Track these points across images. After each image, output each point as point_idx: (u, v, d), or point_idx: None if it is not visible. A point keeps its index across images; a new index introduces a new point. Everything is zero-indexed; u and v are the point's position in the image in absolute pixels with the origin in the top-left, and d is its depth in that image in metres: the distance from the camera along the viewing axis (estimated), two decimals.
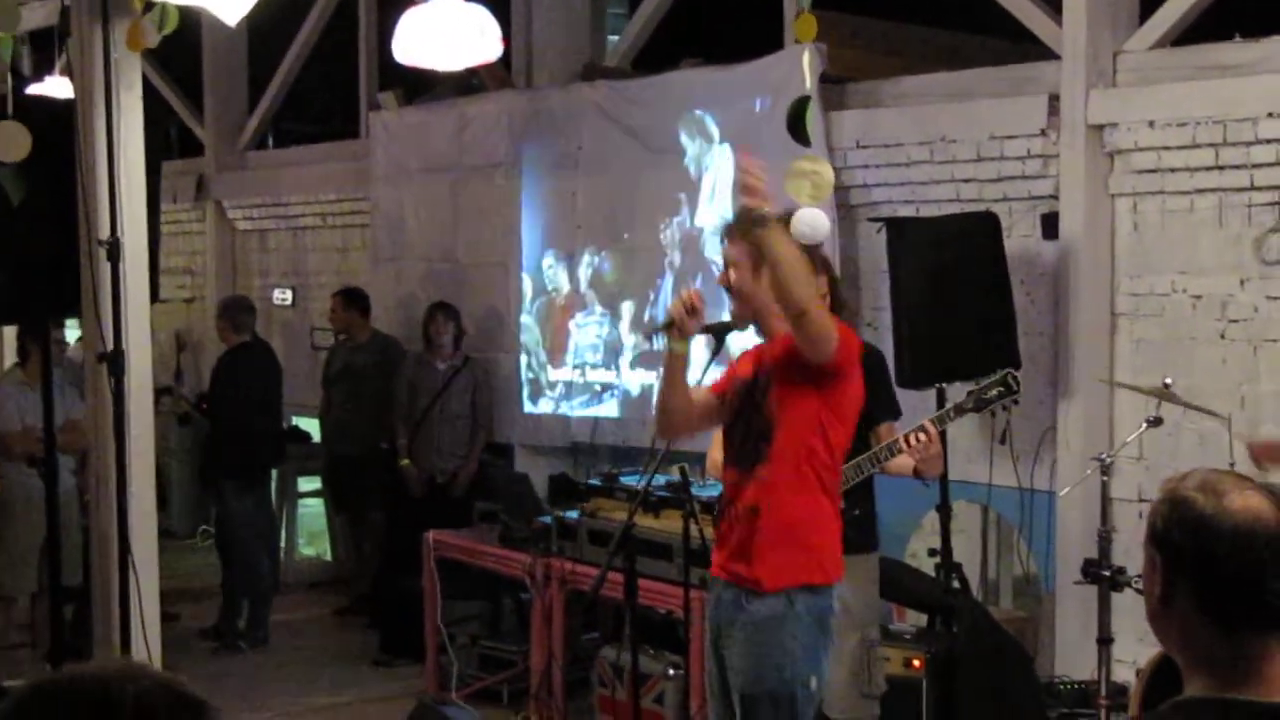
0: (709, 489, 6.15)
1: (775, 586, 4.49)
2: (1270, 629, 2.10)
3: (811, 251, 4.56)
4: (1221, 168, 6.42)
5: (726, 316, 4.81)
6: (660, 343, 4.73)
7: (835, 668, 5.06)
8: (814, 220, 3.97)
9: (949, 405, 5.77)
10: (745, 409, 4.63)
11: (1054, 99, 6.85)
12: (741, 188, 4.39)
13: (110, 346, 5.32)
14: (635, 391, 8.59)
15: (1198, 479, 2.15)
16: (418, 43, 5.05)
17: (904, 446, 5.27)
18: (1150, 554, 2.17)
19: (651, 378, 8.12)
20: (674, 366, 4.67)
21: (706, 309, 4.63)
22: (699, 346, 4.80)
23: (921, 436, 5.25)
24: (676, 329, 4.58)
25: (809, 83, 5.86)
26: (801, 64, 5.64)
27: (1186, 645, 2.14)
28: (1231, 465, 5.92)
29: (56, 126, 5.43)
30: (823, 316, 4.38)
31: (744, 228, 4.54)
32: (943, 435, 5.87)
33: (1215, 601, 2.09)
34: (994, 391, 5.52)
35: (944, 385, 6.41)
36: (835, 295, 5.30)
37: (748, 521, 4.55)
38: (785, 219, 4.36)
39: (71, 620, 7.33)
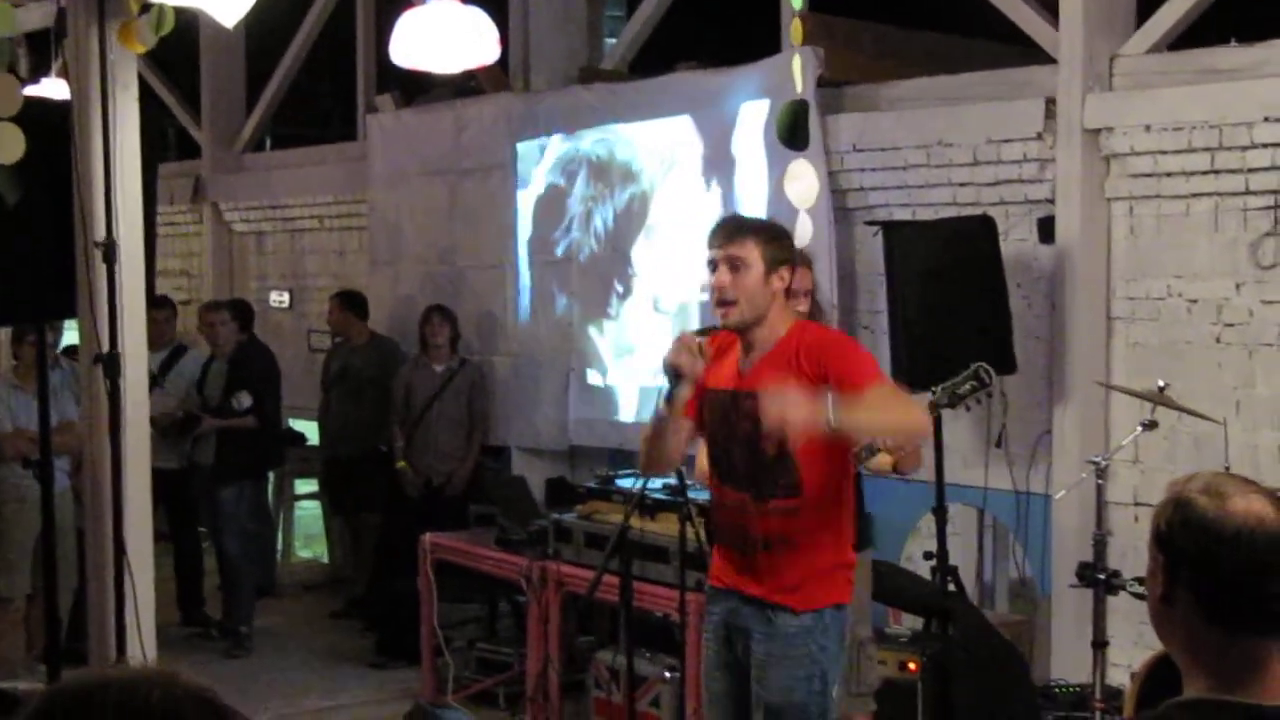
0: (704, 491, 6.15)
1: (807, 608, 4.46)
2: (1270, 632, 2.10)
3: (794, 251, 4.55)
4: (1217, 172, 6.43)
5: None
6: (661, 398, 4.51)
7: None
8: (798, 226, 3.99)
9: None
10: (744, 427, 4.46)
11: (1050, 103, 6.86)
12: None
13: (106, 349, 5.32)
14: (630, 392, 8.60)
15: (1202, 481, 2.15)
16: (415, 45, 5.05)
17: (881, 445, 5.23)
18: (1153, 554, 2.17)
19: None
20: (678, 413, 4.48)
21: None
22: None
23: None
24: (687, 375, 4.40)
25: (800, 86, 5.85)
26: (792, 68, 5.62)
27: (1187, 646, 2.14)
28: (1226, 468, 5.93)
29: (53, 128, 5.41)
30: (915, 416, 4.43)
31: (745, 226, 4.46)
32: (938, 423, 5.81)
33: (1215, 603, 2.10)
34: (966, 386, 5.46)
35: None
36: (814, 299, 5.33)
37: (779, 553, 4.45)
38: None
39: (68, 622, 7.31)
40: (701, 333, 4.63)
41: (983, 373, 5.45)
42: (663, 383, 4.48)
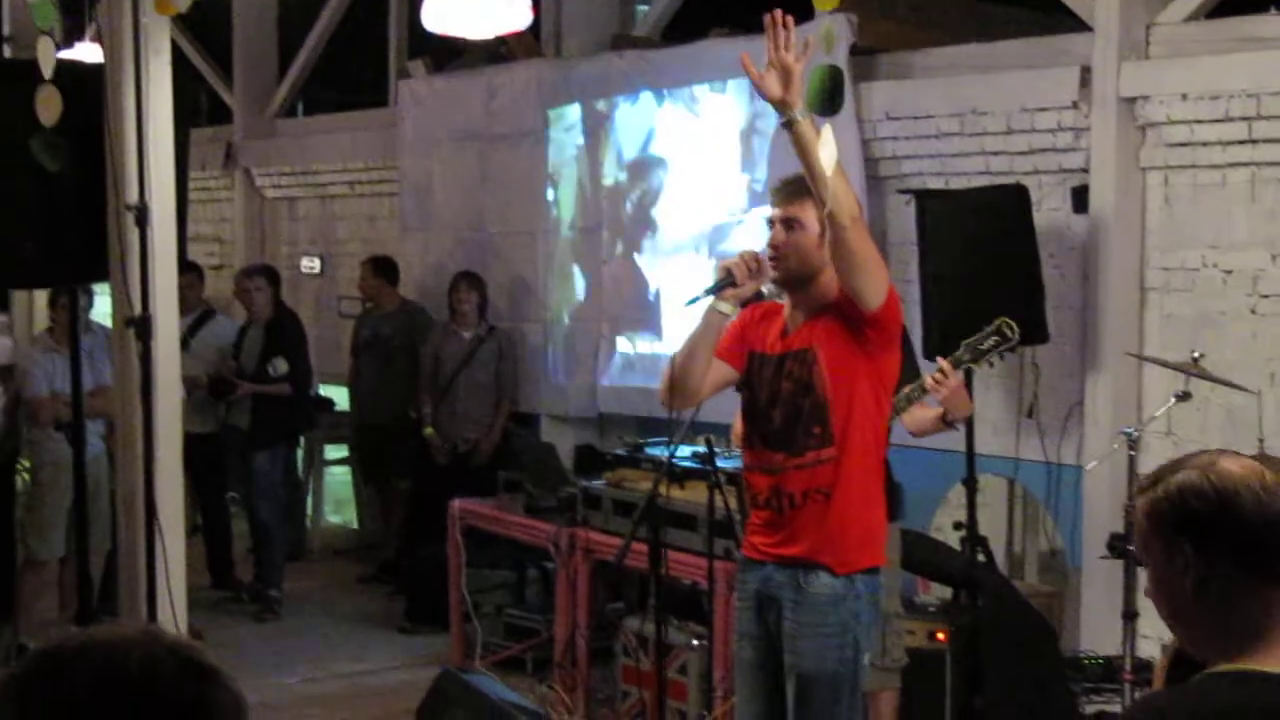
0: (734, 459, 6.14)
1: (844, 572, 4.44)
2: None
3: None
4: (1255, 141, 6.36)
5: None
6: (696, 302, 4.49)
7: None
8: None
9: (948, 358, 5.58)
10: (785, 387, 4.48)
11: (1085, 71, 6.80)
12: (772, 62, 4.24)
13: (138, 311, 5.34)
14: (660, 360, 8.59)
15: (1177, 469, 2.14)
16: (447, 11, 5.05)
17: (929, 385, 5.16)
18: (1167, 552, 2.13)
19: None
20: (712, 328, 4.49)
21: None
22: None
23: (939, 376, 5.14)
24: (733, 289, 4.44)
25: (825, 54, 5.82)
26: (822, 34, 5.59)
27: (1223, 625, 2.11)
28: (1260, 442, 5.89)
29: (86, 92, 5.43)
30: (872, 245, 4.30)
31: (805, 186, 4.33)
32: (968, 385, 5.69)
33: (1255, 558, 2.07)
34: (990, 341, 5.38)
35: None
36: None
37: (813, 506, 4.44)
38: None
39: (100, 584, 7.36)
40: (745, 302, 4.61)
41: (1005, 328, 5.35)
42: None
